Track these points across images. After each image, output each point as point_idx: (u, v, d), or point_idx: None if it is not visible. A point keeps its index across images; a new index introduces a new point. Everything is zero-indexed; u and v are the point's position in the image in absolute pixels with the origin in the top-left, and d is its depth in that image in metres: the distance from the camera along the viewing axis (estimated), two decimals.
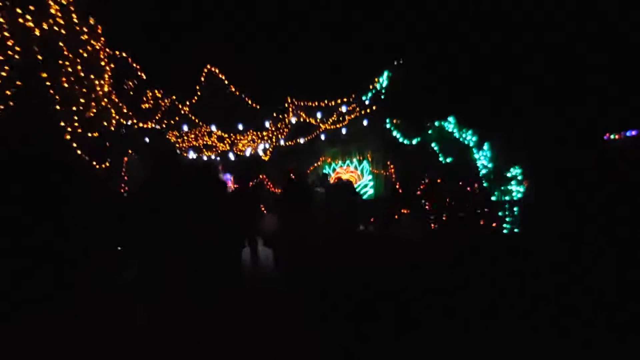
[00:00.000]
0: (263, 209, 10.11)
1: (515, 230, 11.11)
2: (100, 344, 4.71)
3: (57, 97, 7.37)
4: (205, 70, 12.11)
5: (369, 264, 7.31)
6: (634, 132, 9.57)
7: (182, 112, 12.77)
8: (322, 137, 15.46)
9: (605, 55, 8.56)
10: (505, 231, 11.24)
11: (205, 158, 16.07)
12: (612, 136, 9.85)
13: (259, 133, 15.44)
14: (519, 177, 10.81)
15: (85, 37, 8.03)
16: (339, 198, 8.70)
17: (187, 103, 12.46)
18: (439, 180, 14.28)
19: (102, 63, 8.64)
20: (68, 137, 7.65)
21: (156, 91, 11.85)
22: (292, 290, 6.89)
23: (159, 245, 4.61)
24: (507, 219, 11.17)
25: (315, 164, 17.06)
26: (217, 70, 12.20)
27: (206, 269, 5.02)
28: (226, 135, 15.25)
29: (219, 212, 5.25)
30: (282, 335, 4.98)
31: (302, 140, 15.73)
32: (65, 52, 7.44)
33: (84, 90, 8.12)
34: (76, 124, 7.90)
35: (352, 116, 13.67)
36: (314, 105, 13.77)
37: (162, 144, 12.14)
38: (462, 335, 4.64)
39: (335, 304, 5.86)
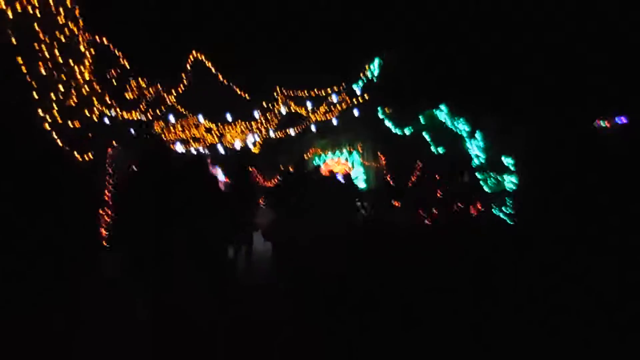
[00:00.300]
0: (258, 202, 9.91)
1: (509, 221, 10.99)
2: (100, 335, 4.51)
3: (33, 83, 7.02)
4: (191, 57, 11.76)
5: (365, 257, 7.20)
6: (623, 119, 9.45)
7: (168, 102, 12.42)
8: (313, 127, 15.23)
9: (604, 51, 8.45)
10: (497, 221, 11.13)
11: (193, 150, 15.76)
12: (602, 123, 9.72)
13: (247, 124, 15.15)
14: (512, 167, 10.65)
15: (63, 19, 7.66)
16: (334, 191, 8.60)
17: (173, 92, 12.11)
18: (427, 172, 14.18)
19: (82, 48, 8.27)
20: (47, 126, 7.31)
21: (140, 80, 11.47)
22: (290, 285, 6.76)
23: (149, 240, 4.51)
24: (500, 210, 11.04)
25: (305, 156, 16.85)
26: (203, 57, 11.85)
27: (201, 263, 4.95)
28: (214, 127, 14.94)
29: (211, 207, 5.16)
30: (281, 326, 4.84)
31: (292, 132, 15.49)
32: (41, 36, 7.07)
33: (63, 77, 7.76)
34: (55, 113, 7.55)
35: (343, 106, 13.43)
36: (303, 94, 13.49)
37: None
38: (458, 331, 4.52)
39: (334, 299, 5.72)
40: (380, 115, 11.89)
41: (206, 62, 11.81)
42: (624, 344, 4.04)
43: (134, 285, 5.02)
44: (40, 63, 7.25)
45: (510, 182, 10.35)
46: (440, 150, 11.72)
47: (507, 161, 10.06)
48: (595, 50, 8.92)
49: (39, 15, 7.05)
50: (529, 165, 9.60)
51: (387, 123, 11.99)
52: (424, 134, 11.52)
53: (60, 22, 7.63)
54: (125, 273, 4.92)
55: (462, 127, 10.24)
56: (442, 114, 10.38)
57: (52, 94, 7.53)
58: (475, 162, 10.63)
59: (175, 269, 4.97)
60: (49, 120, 7.45)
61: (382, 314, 5.08)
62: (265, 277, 7.54)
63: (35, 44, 7.06)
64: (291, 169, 9.80)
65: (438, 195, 13.42)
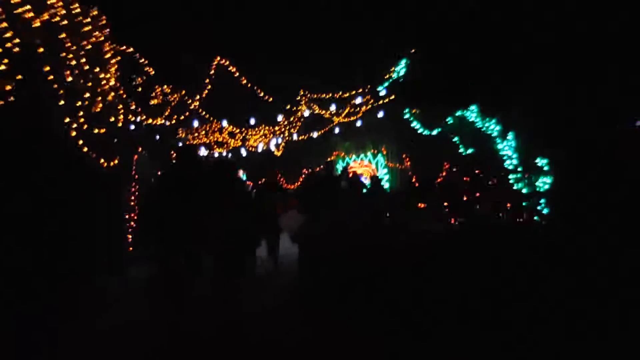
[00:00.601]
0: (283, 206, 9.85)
1: (542, 222, 10.60)
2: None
3: (60, 91, 7.03)
4: (215, 62, 11.71)
5: (392, 261, 6.99)
6: None
7: (192, 107, 12.40)
8: (336, 130, 15.04)
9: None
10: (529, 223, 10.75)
11: (216, 155, 15.75)
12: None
13: (271, 127, 15.05)
14: (545, 168, 10.28)
15: (89, 28, 7.66)
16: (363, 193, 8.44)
17: (197, 98, 12.08)
18: (454, 169, 13.80)
19: (107, 55, 8.28)
20: (73, 133, 7.32)
21: (165, 86, 11.47)
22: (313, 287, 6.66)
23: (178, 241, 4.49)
24: (533, 211, 10.67)
25: (329, 159, 16.65)
26: (227, 62, 11.78)
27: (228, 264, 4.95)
28: (237, 131, 14.88)
29: (239, 208, 5.17)
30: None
31: (315, 134, 15.32)
32: (68, 44, 7.08)
33: (89, 84, 7.76)
34: (82, 120, 7.56)
35: (367, 107, 13.20)
36: (327, 97, 13.32)
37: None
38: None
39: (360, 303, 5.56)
40: (407, 117, 11.64)
41: (230, 67, 11.74)
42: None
43: (160, 287, 4.97)
44: (67, 72, 7.28)
45: (544, 182, 9.99)
46: (470, 151, 11.42)
47: (541, 162, 9.72)
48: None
49: (65, 23, 7.05)
50: (564, 166, 9.25)
51: (415, 124, 11.72)
52: (452, 135, 11.23)
53: (87, 30, 7.64)
54: (155, 275, 4.86)
55: (493, 127, 9.92)
56: (472, 114, 10.08)
57: (78, 101, 7.55)
58: (507, 163, 10.30)
59: (202, 271, 4.97)
60: (76, 126, 7.47)
61: (407, 321, 4.86)
62: (289, 280, 7.47)
63: (63, 52, 7.07)
64: (318, 170, 9.67)
65: (465, 197, 13.07)
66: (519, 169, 10.17)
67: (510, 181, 10.53)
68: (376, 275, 6.32)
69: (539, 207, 10.31)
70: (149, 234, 4.90)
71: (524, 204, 10.73)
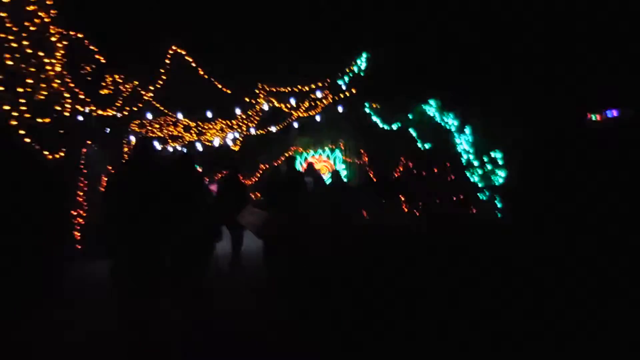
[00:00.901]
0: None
1: (499, 215, 10.87)
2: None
3: None
4: (171, 51, 11.23)
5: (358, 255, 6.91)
6: (615, 113, 9.40)
7: (145, 98, 11.84)
8: (295, 125, 14.88)
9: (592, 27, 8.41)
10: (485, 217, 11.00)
11: (170, 149, 15.20)
12: (592, 117, 9.66)
13: (228, 122, 14.68)
14: (500, 161, 10.56)
15: (33, 7, 7.11)
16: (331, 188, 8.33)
17: (151, 88, 11.55)
18: (410, 165, 13.99)
19: (54, 39, 7.72)
20: (14, 122, 6.78)
21: (116, 76, 10.88)
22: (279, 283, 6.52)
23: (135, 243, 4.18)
24: (489, 206, 10.94)
25: (287, 154, 16.47)
26: (183, 52, 11.33)
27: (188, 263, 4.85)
28: (193, 124, 14.41)
29: (198, 206, 4.95)
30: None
31: (273, 129, 15.10)
32: (8, 24, 6.53)
33: (32, 69, 7.21)
34: (23, 108, 7.02)
35: (327, 102, 13.11)
36: (286, 91, 13.12)
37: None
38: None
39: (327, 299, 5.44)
40: (367, 110, 11.65)
41: (186, 57, 11.31)
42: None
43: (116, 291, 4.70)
44: (7, 55, 6.73)
45: (499, 176, 10.26)
46: (427, 145, 11.57)
47: (496, 155, 9.97)
48: (586, 44, 8.91)
49: (5, 1, 6.51)
50: (519, 160, 9.52)
51: (374, 118, 11.76)
52: (410, 129, 11.34)
53: (30, 10, 7.09)
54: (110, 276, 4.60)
55: (451, 121, 10.08)
56: (431, 108, 10.20)
57: (19, 88, 7.00)
58: (464, 157, 10.50)
59: (161, 271, 4.72)
60: (16, 114, 6.93)
61: (378, 318, 4.78)
62: (254, 276, 7.30)
63: (2, 33, 6.52)
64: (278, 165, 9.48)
65: (423, 191, 13.25)
66: (475, 163, 10.39)
67: (466, 175, 10.75)
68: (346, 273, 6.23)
69: (493, 201, 10.58)
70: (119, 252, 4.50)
71: (481, 197, 10.96)
